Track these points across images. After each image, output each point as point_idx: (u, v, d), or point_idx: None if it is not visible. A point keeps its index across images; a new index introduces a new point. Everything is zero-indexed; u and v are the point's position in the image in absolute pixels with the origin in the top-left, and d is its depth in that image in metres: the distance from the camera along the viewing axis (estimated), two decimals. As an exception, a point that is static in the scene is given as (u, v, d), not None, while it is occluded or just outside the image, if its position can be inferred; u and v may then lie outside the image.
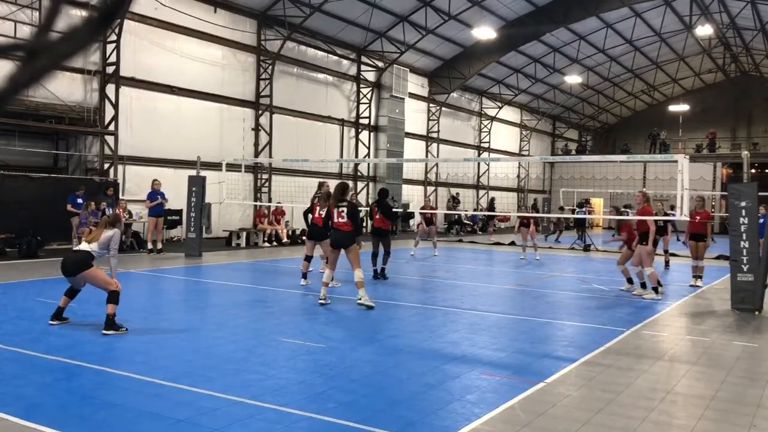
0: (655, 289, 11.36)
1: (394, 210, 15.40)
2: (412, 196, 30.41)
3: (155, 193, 16.82)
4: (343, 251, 9.72)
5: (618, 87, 39.99)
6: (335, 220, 9.73)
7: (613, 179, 39.26)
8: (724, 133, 40.11)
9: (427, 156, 31.29)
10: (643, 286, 11.49)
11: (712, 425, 4.97)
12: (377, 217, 13.20)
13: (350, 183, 27.12)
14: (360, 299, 9.52)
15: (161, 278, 12.56)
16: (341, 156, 26.36)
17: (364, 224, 14.44)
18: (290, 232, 21.79)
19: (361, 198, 26.75)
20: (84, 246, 7.63)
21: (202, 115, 20.68)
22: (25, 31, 15.81)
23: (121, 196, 17.83)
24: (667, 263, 17.37)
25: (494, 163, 36.50)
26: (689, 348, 7.77)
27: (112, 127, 18.00)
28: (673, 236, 18.62)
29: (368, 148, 27.94)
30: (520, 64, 32.85)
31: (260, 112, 22.60)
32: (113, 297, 7.47)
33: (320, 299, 9.73)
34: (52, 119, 16.57)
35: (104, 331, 7.33)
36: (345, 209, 9.72)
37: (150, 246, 16.65)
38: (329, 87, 25.94)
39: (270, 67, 22.48)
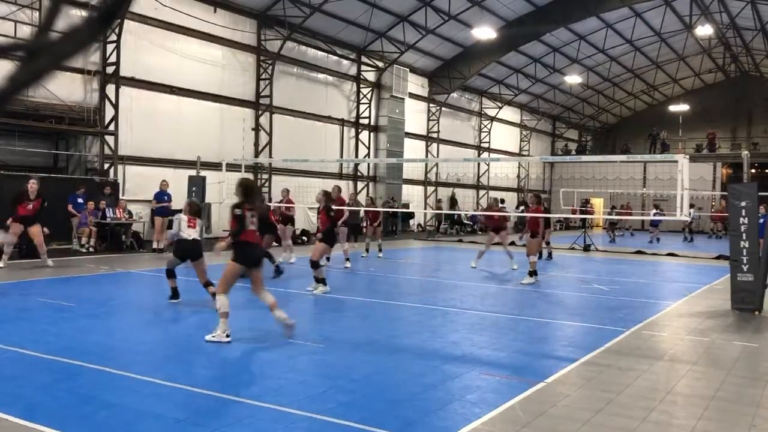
0: (531, 273, 13.05)
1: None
2: (413, 196, 30.43)
3: (162, 194, 16.87)
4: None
5: (618, 87, 39.99)
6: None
7: (613, 179, 39.29)
8: (724, 133, 40.10)
9: (427, 156, 31.28)
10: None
11: (712, 425, 4.97)
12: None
13: (350, 183, 27.12)
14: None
15: (161, 278, 12.55)
16: (341, 156, 26.35)
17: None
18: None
19: (361, 198, 26.69)
20: (192, 233, 9.33)
21: (202, 115, 20.67)
22: (25, 31, 15.80)
23: (121, 196, 17.83)
24: (549, 254, 18.51)
25: (494, 163, 36.50)
26: (689, 348, 7.77)
27: (112, 127, 18.00)
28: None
29: (368, 148, 27.93)
30: (520, 64, 32.84)
31: (260, 112, 22.60)
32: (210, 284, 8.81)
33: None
34: (52, 119, 16.55)
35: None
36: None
37: (155, 245, 16.69)
38: (329, 87, 25.94)
39: (270, 67, 22.48)
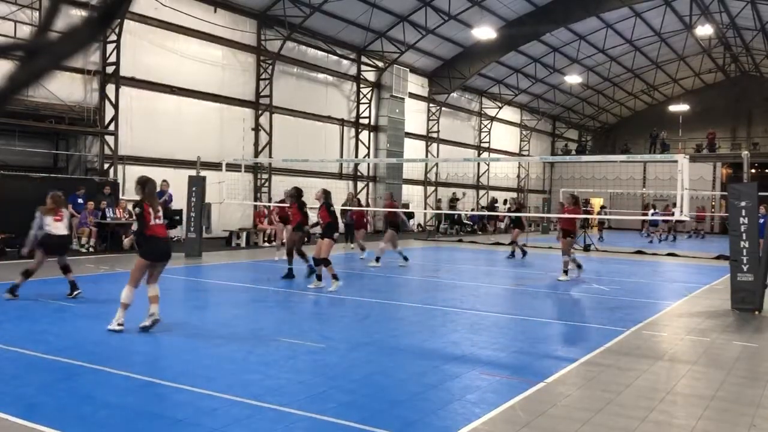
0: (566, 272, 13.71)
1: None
2: (413, 196, 30.41)
3: (162, 194, 16.89)
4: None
5: (618, 87, 39.98)
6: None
7: (613, 179, 39.28)
8: (724, 133, 40.10)
9: (427, 156, 31.28)
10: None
11: (712, 425, 4.97)
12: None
13: (349, 183, 27.11)
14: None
15: (161, 278, 12.56)
16: (341, 156, 26.35)
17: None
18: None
19: (361, 197, 26.68)
20: (62, 228, 9.55)
21: (202, 115, 20.67)
22: (25, 31, 15.79)
23: (121, 196, 17.83)
24: (524, 253, 18.80)
25: (494, 163, 36.50)
26: (689, 348, 7.77)
27: (112, 127, 17.99)
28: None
29: (368, 148, 27.93)
30: (520, 64, 32.84)
31: (260, 112, 22.60)
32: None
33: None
34: (52, 119, 16.54)
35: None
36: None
37: None
38: (329, 87, 25.94)
39: (270, 67, 22.48)
